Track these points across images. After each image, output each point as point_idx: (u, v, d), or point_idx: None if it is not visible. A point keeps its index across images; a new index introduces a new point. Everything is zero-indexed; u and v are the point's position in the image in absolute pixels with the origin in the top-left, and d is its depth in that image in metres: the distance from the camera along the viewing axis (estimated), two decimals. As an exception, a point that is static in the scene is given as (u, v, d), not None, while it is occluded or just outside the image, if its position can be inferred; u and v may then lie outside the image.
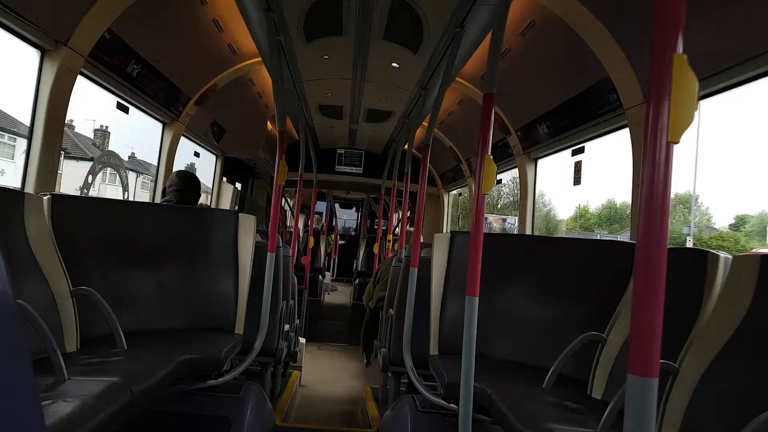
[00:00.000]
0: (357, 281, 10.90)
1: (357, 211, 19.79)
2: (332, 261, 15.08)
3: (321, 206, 16.64)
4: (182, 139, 6.26)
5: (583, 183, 4.77)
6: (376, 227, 10.35)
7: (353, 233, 19.34)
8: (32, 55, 3.66)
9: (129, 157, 31.48)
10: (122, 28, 4.06)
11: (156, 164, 6.14)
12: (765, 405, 1.61)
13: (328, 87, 6.29)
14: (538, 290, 3.64)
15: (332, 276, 14.74)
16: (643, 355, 1.17)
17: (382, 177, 9.69)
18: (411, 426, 3.37)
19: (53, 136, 3.70)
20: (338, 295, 13.64)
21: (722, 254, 2.40)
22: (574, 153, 5.03)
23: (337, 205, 18.66)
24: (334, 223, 16.03)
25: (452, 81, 5.57)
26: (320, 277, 11.42)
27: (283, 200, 12.73)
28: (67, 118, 3.88)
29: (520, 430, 2.26)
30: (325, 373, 6.81)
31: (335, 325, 10.34)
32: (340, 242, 17.27)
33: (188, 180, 4.32)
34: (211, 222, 3.81)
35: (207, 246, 3.76)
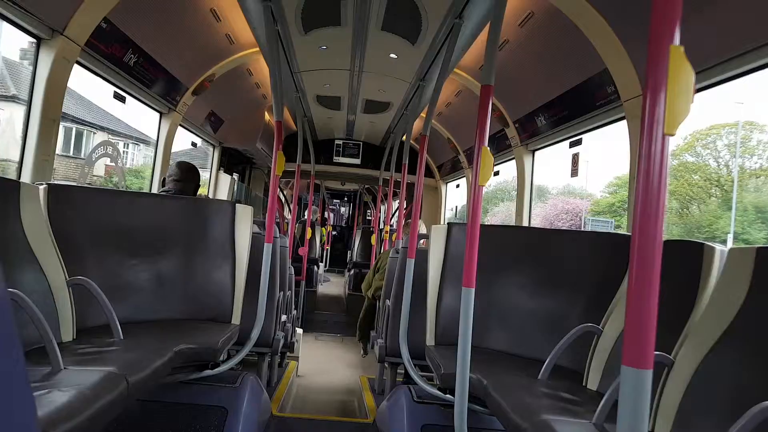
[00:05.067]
0: (352, 272, 10.92)
1: (348, 202, 19.82)
2: (324, 252, 15.11)
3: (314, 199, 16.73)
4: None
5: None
6: (369, 218, 10.38)
7: (344, 224, 19.40)
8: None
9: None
10: (119, 17, 4.04)
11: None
12: (759, 397, 1.62)
13: (326, 78, 6.27)
14: (535, 282, 3.65)
15: (325, 267, 14.78)
16: (637, 347, 1.17)
17: (380, 168, 9.69)
18: (407, 416, 3.39)
19: (50, 125, 3.69)
20: (331, 285, 13.67)
21: (718, 246, 2.40)
22: (571, 145, 5.03)
23: (328, 196, 18.71)
24: (326, 215, 16.05)
25: (450, 72, 5.56)
26: (315, 267, 11.44)
27: (280, 191, 12.74)
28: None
29: (516, 421, 2.26)
30: (322, 364, 6.83)
31: (332, 316, 10.37)
32: (332, 233, 17.31)
33: (188, 170, 4.32)
34: (208, 212, 3.81)
35: (204, 236, 3.76)
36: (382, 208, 10.98)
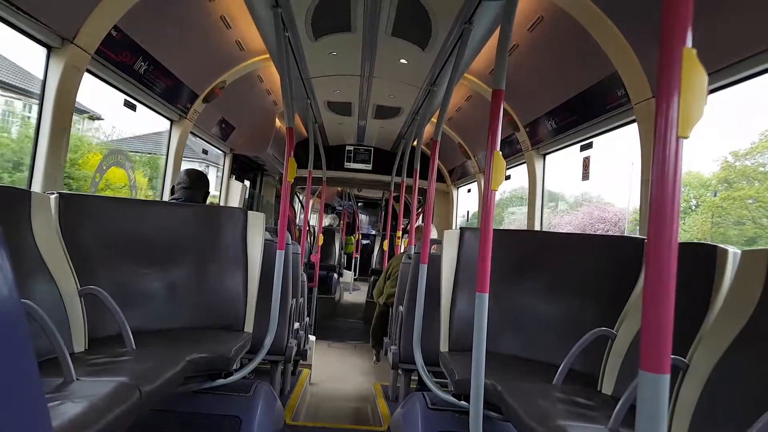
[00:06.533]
0: (372, 278, 10.94)
1: (382, 210, 19.94)
2: (353, 260, 15.12)
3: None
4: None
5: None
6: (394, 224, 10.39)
7: (376, 233, 19.49)
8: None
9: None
10: (129, 25, 4.06)
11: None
12: None
13: (337, 83, 6.28)
14: (548, 286, 3.63)
15: (354, 275, 14.79)
16: (654, 352, 1.16)
17: (392, 173, 9.69)
18: (421, 423, 3.37)
19: (60, 134, 3.71)
20: (358, 293, 13.70)
21: (731, 249, 2.39)
22: (582, 149, 5.01)
23: (361, 205, 18.67)
24: (357, 223, 16.04)
25: (461, 77, 5.56)
26: (335, 275, 11.43)
27: (296, 197, 12.78)
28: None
29: (531, 427, 2.25)
30: (335, 371, 6.82)
31: (346, 323, 10.39)
32: (364, 242, 17.27)
33: (197, 178, 4.33)
34: (220, 220, 3.81)
35: (216, 244, 3.76)
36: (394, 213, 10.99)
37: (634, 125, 3.96)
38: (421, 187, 8.76)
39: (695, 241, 2.76)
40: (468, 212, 10.36)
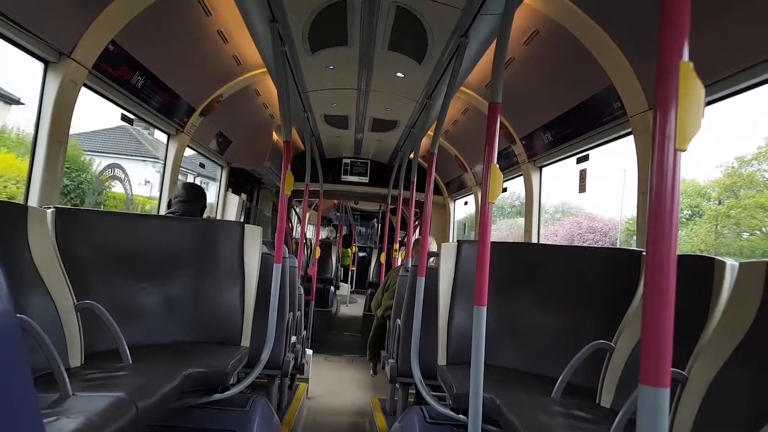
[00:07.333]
0: (369, 291, 10.93)
1: (378, 223, 19.98)
2: (350, 273, 15.14)
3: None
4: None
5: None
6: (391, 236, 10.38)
7: (372, 246, 19.48)
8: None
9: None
10: (126, 39, 4.06)
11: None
12: None
13: (333, 97, 6.29)
14: (546, 299, 3.63)
15: (351, 288, 14.80)
16: (654, 366, 1.16)
17: (389, 186, 9.69)
18: None
19: (57, 148, 3.70)
20: (355, 306, 13.68)
21: (728, 261, 2.39)
22: (579, 161, 5.02)
23: (358, 217, 18.67)
24: (353, 235, 16.04)
25: (457, 90, 5.56)
26: (332, 288, 11.41)
27: (294, 210, 12.80)
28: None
29: None
30: (333, 385, 6.79)
31: (344, 336, 10.36)
32: (361, 254, 17.28)
33: (194, 191, 4.32)
34: (217, 233, 3.81)
35: (213, 258, 3.75)
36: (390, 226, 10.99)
37: (630, 137, 3.97)
38: (418, 199, 8.76)
39: (694, 253, 2.76)
40: (465, 225, 10.35)
